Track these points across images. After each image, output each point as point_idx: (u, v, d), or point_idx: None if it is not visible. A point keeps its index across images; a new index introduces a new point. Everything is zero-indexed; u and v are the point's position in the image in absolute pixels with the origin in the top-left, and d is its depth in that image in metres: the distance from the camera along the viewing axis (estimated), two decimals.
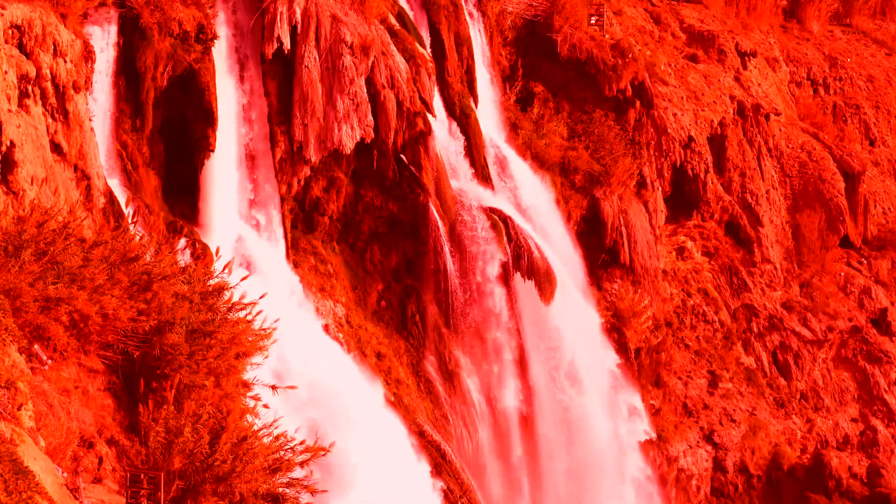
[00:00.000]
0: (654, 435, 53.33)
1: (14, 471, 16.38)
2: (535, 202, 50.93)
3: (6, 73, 32.20)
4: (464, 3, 51.10)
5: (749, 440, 57.18)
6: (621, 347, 52.68)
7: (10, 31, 32.87)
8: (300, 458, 22.36)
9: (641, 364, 54.27)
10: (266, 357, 24.66)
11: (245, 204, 42.54)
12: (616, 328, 52.81)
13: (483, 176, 48.94)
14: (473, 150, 48.91)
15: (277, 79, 42.92)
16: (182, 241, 38.06)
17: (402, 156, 45.16)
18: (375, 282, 46.03)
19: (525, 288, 47.49)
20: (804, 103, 68.73)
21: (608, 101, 55.59)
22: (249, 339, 24.19)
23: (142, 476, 20.49)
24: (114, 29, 38.30)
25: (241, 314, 24.62)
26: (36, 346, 21.52)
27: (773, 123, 64.29)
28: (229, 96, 41.72)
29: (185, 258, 36.60)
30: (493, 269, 46.76)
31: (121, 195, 36.67)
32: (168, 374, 22.47)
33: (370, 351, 44.45)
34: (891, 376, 62.24)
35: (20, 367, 19.40)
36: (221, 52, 41.57)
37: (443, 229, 45.60)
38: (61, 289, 21.90)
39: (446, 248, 45.79)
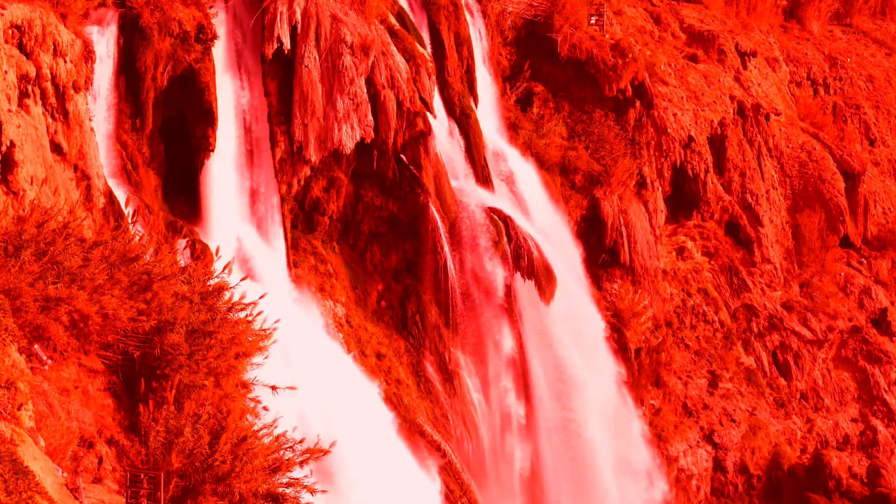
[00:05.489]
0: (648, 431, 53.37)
1: (14, 471, 16.37)
2: (535, 202, 50.91)
3: (6, 73, 32.20)
4: (464, 3, 51.09)
5: (749, 440, 57.18)
6: (621, 347, 52.68)
7: (10, 31, 32.87)
8: (300, 458, 22.37)
9: (641, 364, 54.26)
10: (266, 357, 24.67)
11: (245, 204, 42.53)
12: (616, 328, 52.80)
13: (483, 176, 48.94)
14: (473, 150, 48.90)
15: (277, 79, 42.92)
16: (182, 241, 38.04)
17: (402, 156, 45.16)
18: (375, 282, 46.03)
19: (525, 288, 47.47)
20: (804, 103, 68.73)
21: (608, 101, 55.58)
22: (249, 339, 24.20)
23: (142, 476, 20.50)
24: (114, 29, 38.30)
25: (241, 314, 24.62)
26: (36, 346, 21.52)
27: (773, 123, 64.29)
28: (229, 96, 41.71)
29: (185, 258, 36.59)
30: (493, 269, 46.76)
31: (121, 195, 36.65)
32: (168, 374, 22.48)
33: (370, 351, 44.44)
34: (891, 376, 62.24)
35: (20, 367, 19.40)
36: (221, 52, 41.56)
37: (443, 229, 45.60)
38: (61, 289, 21.91)
39: (446, 248, 45.78)
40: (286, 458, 22.34)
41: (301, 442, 22.52)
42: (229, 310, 24.53)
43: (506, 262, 46.84)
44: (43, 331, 21.81)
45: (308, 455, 22.37)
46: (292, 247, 43.68)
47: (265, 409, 24.20)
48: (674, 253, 59.01)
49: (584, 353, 50.14)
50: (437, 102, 47.40)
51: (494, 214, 47.22)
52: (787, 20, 72.57)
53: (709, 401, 57.17)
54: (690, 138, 58.30)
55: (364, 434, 38.65)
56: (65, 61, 34.44)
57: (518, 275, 47.11)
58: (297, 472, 22.43)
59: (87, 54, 36.53)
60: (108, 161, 37.76)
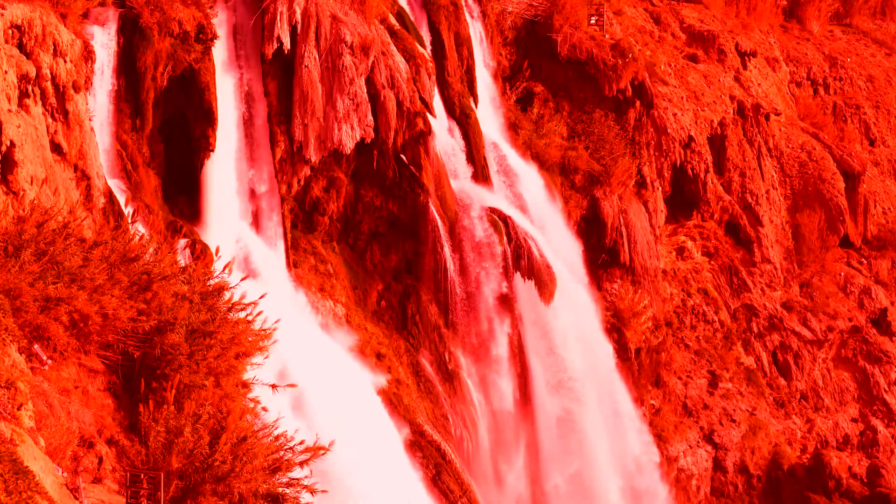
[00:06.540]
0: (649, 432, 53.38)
1: (14, 471, 16.37)
2: (534, 202, 50.92)
3: (6, 73, 32.20)
4: (464, 3, 51.10)
5: (749, 440, 57.18)
6: (621, 347, 52.67)
7: (10, 31, 32.88)
8: (300, 459, 22.36)
9: (641, 364, 54.26)
10: (266, 357, 24.66)
11: (245, 204, 42.55)
12: (616, 328, 52.79)
13: (483, 176, 48.95)
14: (473, 150, 48.91)
15: (277, 79, 42.93)
16: (182, 241, 38.04)
17: (402, 156, 45.16)
18: (375, 282, 46.03)
19: (525, 288, 47.47)
20: (804, 103, 68.74)
21: (608, 101, 55.58)
22: (249, 339, 24.19)
23: (142, 476, 20.48)
24: (114, 29, 38.31)
25: (242, 314, 24.61)
26: (36, 346, 21.51)
27: (773, 123, 64.29)
28: (229, 96, 41.73)
29: (185, 258, 36.58)
30: (493, 269, 46.76)
31: (121, 195, 36.68)
32: (168, 374, 22.46)
33: (370, 351, 44.45)
34: (891, 376, 62.24)
35: (20, 367, 19.40)
36: (221, 52, 41.57)
37: (443, 229, 45.60)
38: (61, 289, 21.90)
39: (446, 248, 45.79)
40: (286, 458, 22.33)
41: (301, 443, 22.51)
42: (229, 310, 24.51)
43: (506, 262, 46.85)
44: (43, 331, 21.80)
45: (309, 455, 22.36)
46: (292, 247, 43.69)
47: (265, 409, 24.19)
48: (674, 253, 59.01)
49: (584, 352, 50.14)
50: (437, 102, 47.41)
51: (494, 214, 47.23)
52: (787, 20, 72.59)
53: (709, 401, 57.17)
54: (690, 138, 58.30)
55: (364, 435, 38.63)
56: (65, 61, 34.44)
57: (518, 275, 47.11)
58: (296, 473, 22.43)
59: (87, 54, 36.54)
60: (108, 161, 37.78)
